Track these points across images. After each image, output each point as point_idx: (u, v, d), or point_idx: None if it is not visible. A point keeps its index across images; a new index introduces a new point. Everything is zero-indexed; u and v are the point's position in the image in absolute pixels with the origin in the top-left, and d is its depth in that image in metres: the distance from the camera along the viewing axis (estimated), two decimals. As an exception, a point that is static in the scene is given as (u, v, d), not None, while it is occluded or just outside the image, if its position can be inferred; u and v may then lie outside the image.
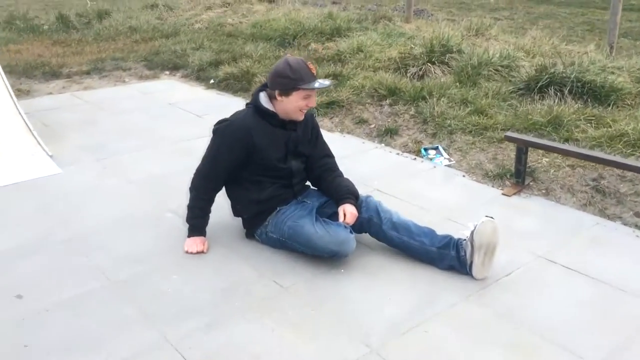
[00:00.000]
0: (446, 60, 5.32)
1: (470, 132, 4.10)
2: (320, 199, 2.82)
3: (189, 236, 2.80)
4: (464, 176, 3.64)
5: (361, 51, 5.95)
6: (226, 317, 2.30)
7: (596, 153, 3.31)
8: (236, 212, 2.86)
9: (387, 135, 4.32)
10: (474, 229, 2.47)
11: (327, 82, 2.63)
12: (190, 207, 2.80)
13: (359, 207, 2.70)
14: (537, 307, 2.35)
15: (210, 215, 2.84)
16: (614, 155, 3.46)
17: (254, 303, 2.39)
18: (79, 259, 2.73)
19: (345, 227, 2.60)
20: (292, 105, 2.61)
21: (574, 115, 3.98)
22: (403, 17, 7.78)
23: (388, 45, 6.09)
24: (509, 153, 3.74)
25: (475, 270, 2.49)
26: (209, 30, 7.96)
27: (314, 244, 2.57)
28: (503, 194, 3.35)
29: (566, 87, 4.35)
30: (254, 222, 2.81)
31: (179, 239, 2.84)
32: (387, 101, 4.73)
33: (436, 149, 4.01)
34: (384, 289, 2.48)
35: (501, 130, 4.02)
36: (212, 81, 5.94)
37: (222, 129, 2.68)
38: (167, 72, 6.47)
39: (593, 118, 3.96)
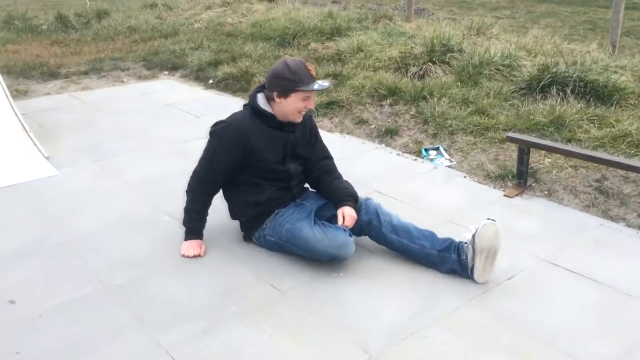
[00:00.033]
0: (447, 60, 5.27)
1: (472, 132, 4.05)
2: (319, 201, 2.77)
3: (185, 239, 2.75)
4: (465, 177, 3.60)
5: (361, 51, 5.90)
6: (222, 322, 2.26)
7: (599, 154, 3.26)
8: (233, 214, 2.81)
9: (387, 135, 4.27)
10: (475, 232, 2.43)
11: (326, 83, 2.58)
12: (187, 210, 2.76)
13: (358, 210, 2.66)
14: (540, 312, 2.30)
15: (208, 217, 2.79)
16: (617, 155, 3.41)
17: (251, 307, 2.34)
18: (73, 263, 2.69)
19: (344, 230, 2.56)
20: (290, 107, 2.57)
21: (577, 115, 3.92)
22: (403, 16, 7.72)
23: (388, 45, 6.04)
24: (511, 154, 3.69)
25: (476, 274, 2.44)
26: (208, 30, 7.91)
27: (313, 248, 2.52)
28: (505, 196, 3.30)
29: (568, 87, 4.29)
30: (252, 225, 2.76)
31: (175, 242, 2.79)
32: (388, 101, 4.68)
33: (437, 149, 3.96)
34: (384, 293, 2.43)
35: (503, 130, 3.97)
36: (211, 81, 5.89)
37: (219, 131, 2.63)
38: (166, 72, 6.42)
39: (596, 118, 3.91)
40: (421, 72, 5.17)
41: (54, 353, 2.11)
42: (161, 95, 5.55)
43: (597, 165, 3.33)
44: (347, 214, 2.60)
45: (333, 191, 2.72)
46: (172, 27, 8.15)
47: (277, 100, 2.56)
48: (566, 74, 4.40)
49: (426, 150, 3.97)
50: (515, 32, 6.84)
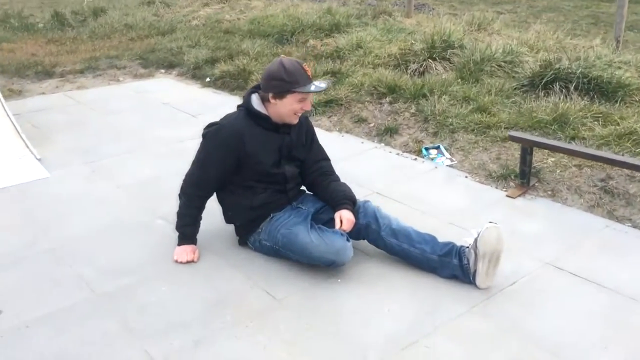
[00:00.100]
0: (447, 56, 5.17)
1: (473, 130, 3.96)
2: (316, 204, 2.68)
3: (178, 244, 2.67)
4: (466, 177, 3.51)
5: (360, 47, 5.80)
6: (215, 333, 2.17)
7: (604, 153, 3.17)
8: (228, 218, 2.73)
9: (386, 134, 4.18)
10: (478, 236, 2.34)
11: (323, 84, 2.49)
12: (180, 215, 2.67)
13: (356, 213, 2.57)
14: (545, 318, 2.22)
15: (202, 221, 2.71)
16: (623, 154, 3.32)
17: (245, 317, 2.26)
18: (63, 270, 2.61)
19: (342, 234, 2.47)
20: (286, 109, 2.48)
21: (580, 113, 3.83)
22: (403, 12, 7.62)
23: (388, 41, 5.94)
24: (513, 152, 3.60)
25: (479, 280, 2.35)
26: (206, 27, 7.82)
27: (309, 253, 2.44)
28: (507, 196, 3.21)
29: (572, 84, 4.20)
30: (247, 229, 2.68)
31: (168, 248, 2.71)
32: (387, 99, 4.59)
33: (437, 148, 3.87)
34: (383, 300, 2.35)
35: (505, 128, 3.87)
36: (208, 79, 5.80)
37: (212, 133, 2.55)
38: (163, 71, 6.33)
39: (600, 115, 3.82)
40: (421, 69, 5.08)
41: (40, 366, 2.03)
42: (157, 94, 5.46)
43: (602, 164, 3.24)
44: (344, 218, 2.51)
45: (330, 194, 2.63)
46: (169, 25, 8.06)
47: (272, 101, 2.48)
48: (569, 70, 4.30)
49: (426, 149, 3.88)
50: (517, 27, 6.74)
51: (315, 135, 2.74)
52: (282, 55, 2.55)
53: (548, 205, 3.11)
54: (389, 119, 4.37)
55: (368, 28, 6.59)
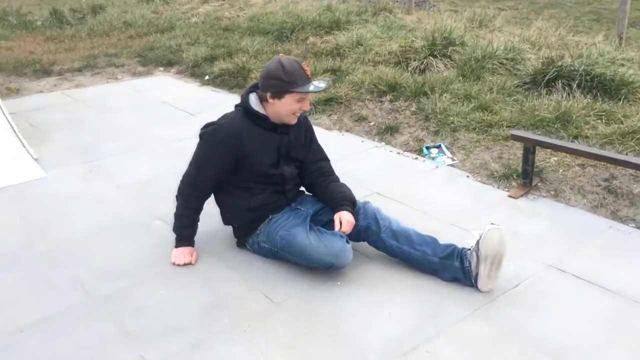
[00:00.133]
0: (449, 54, 5.12)
1: (475, 129, 3.91)
2: (315, 205, 2.64)
3: (176, 246, 2.64)
4: (468, 177, 3.46)
5: (361, 45, 5.75)
6: (212, 337, 2.14)
7: (608, 153, 3.12)
8: (226, 220, 2.69)
9: (387, 133, 4.14)
10: (480, 239, 2.30)
11: (322, 84, 2.44)
12: (177, 216, 2.63)
13: (356, 214, 2.53)
14: (547, 322, 2.18)
15: (200, 222, 2.67)
16: (627, 153, 3.28)
17: (243, 321, 2.22)
18: (58, 272, 2.57)
19: (342, 236, 2.43)
20: (284, 109, 2.43)
21: (583, 111, 3.78)
22: (404, 9, 7.56)
23: (388, 39, 5.89)
24: (515, 152, 3.55)
25: (481, 283, 2.31)
26: (205, 25, 7.76)
27: (308, 256, 2.40)
28: (509, 196, 3.17)
29: (574, 81, 4.14)
30: (245, 231, 2.64)
31: (166, 249, 2.67)
32: (388, 97, 4.54)
33: (439, 147, 3.83)
34: (383, 303, 2.31)
35: (507, 127, 3.83)
36: (207, 77, 5.75)
37: (210, 134, 2.50)
38: (161, 69, 6.29)
39: (603, 113, 3.77)
40: (422, 67, 5.03)
41: (34, 371, 2.00)
42: (156, 92, 5.42)
43: (605, 163, 3.20)
44: (344, 219, 2.47)
45: (330, 195, 2.59)
46: (168, 22, 8.01)
47: (270, 101, 2.43)
48: (572, 68, 4.25)
49: (427, 148, 3.84)
50: (519, 24, 6.69)
51: (314, 135, 2.69)
52: (281, 54, 2.50)
53: (551, 206, 3.07)
54: (389, 117, 4.33)
55: (368, 25, 6.54)
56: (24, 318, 2.27)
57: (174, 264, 2.58)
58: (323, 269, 2.44)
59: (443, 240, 2.48)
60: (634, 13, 8.11)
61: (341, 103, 4.61)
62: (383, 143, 4.05)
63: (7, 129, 4.10)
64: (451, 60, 5.06)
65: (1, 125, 4.13)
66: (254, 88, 2.53)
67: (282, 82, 2.37)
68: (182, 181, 2.61)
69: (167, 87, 5.65)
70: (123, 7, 9.25)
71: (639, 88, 4.10)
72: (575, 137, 3.57)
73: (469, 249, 2.36)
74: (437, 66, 5.00)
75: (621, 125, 3.56)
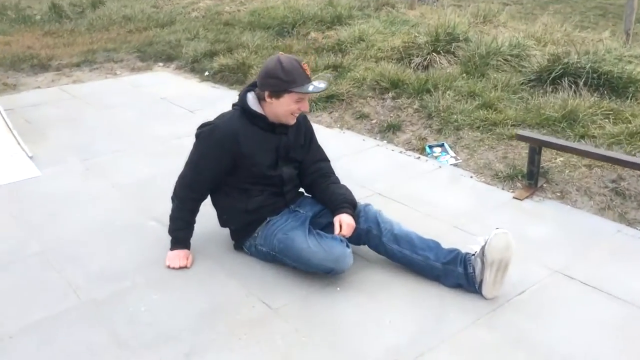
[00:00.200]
0: (452, 50, 5.03)
1: (479, 127, 3.82)
2: (314, 207, 2.56)
3: (171, 249, 2.56)
4: (471, 177, 3.38)
5: (363, 40, 5.66)
6: (207, 345, 2.07)
7: (617, 154, 3.03)
8: (223, 222, 2.62)
9: (389, 131, 4.05)
10: (485, 244, 2.22)
11: (322, 84, 2.35)
12: (173, 218, 2.56)
13: (356, 217, 2.45)
14: (554, 331, 2.10)
15: (196, 224, 2.59)
16: (635, 154, 3.19)
17: (239, 328, 2.15)
18: (51, 275, 2.50)
19: (341, 240, 2.35)
20: (282, 109, 2.35)
21: (590, 110, 3.69)
22: (407, 4, 7.45)
23: (391, 34, 5.80)
24: (520, 151, 3.47)
25: (485, 289, 2.24)
26: (205, 19, 7.67)
27: (307, 260, 2.33)
28: (514, 198, 3.09)
29: (581, 79, 4.06)
30: (243, 233, 2.56)
31: (161, 251, 2.60)
32: (390, 94, 4.45)
33: (442, 146, 3.75)
34: (384, 310, 2.23)
35: (511, 126, 3.75)
36: (206, 73, 5.67)
37: (206, 134, 2.43)
38: (161, 64, 6.20)
39: (611, 112, 3.68)
40: (425, 63, 4.94)
41: (23, 381, 1.93)
42: (155, 88, 5.34)
43: (613, 164, 3.11)
44: (344, 223, 2.40)
45: (329, 197, 2.52)
46: (168, 16, 7.92)
47: (268, 100, 2.35)
48: (578, 65, 4.16)
49: (430, 147, 3.76)
50: (524, 20, 6.59)
51: (314, 135, 2.61)
52: (280, 53, 2.42)
53: (557, 208, 2.99)
54: (391, 115, 4.24)
55: (370, 20, 6.44)
56: (14, 323, 2.21)
57: (168, 267, 2.51)
58: (322, 274, 2.36)
59: (446, 243, 2.41)
60: (641, 8, 7.99)
61: (342, 100, 4.53)
62: (385, 141, 3.97)
63: (2, 126, 4.03)
64: (455, 56, 4.97)
65: (-4, 122, 4.05)
66: (252, 87, 2.45)
67: (280, 82, 2.28)
68: (177, 182, 2.54)
69: (166, 83, 5.57)
70: (123, 1, 9.14)
71: (647, 86, 4.01)
72: (582, 137, 3.48)
73: (473, 254, 2.28)
74: (440, 62, 4.91)
75: (629, 125, 3.48)
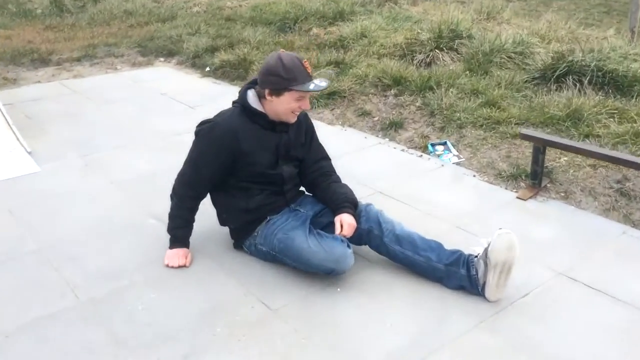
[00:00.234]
0: (455, 47, 4.99)
1: (482, 126, 3.78)
2: (315, 207, 2.53)
3: (170, 247, 2.53)
4: (474, 176, 3.34)
5: (365, 36, 5.61)
6: (205, 346, 2.04)
7: (623, 155, 2.98)
8: (222, 221, 2.59)
9: (391, 128, 4.01)
10: (488, 246, 2.18)
11: (323, 83, 2.31)
12: (172, 216, 2.53)
13: (357, 217, 2.42)
14: (558, 334, 2.07)
15: (196, 222, 2.56)
16: (640, 154, 3.16)
17: (238, 329, 2.12)
18: (48, 274, 2.47)
19: (342, 240, 2.32)
20: (283, 107, 2.32)
21: (595, 109, 3.65)
22: (409, 0, 7.40)
23: (393, 30, 5.75)
24: (524, 150, 3.43)
25: (488, 292, 2.20)
26: (207, 14, 7.62)
27: (307, 261, 2.29)
28: (518, 198, 3.05)
29: (585, 77, 4.01)
30: (242, 232, 2.53)
31: (160, 250, 2.57)
32: (392, 91, 4.41)
33: (444, 144, 3.71)
34: (385, 311, 2.20)
35: (515, 124, 3.71)
36: (207, 69, 5.63)
37: (205, 132, 2.39)
38: (162, 59, 6.16)
39: (616, 111, 3.64)
40: (428, 60, 4.90)
41: (18, 381, 1.91)
42: (155, 83, 5.30)
43: (617, 164, 3.07)
44: (345, 222, 2.36)
45: (330, 196, 2.48)
46: (169, 11, 7.87)
47: (268, 98, 2.31)
48: (583, 63, 4.11)
49: (433, 145, 3.72)
50: (527, 17, 6.54)
51: (315, 133, 2.58)
52: (282, 50, 2.38)
53: (561, 208, 2.95)
54: (393, 112, 4.20)
55: (373, 16, 6.40)
56: (10, 322, 2.18)
57: (167, 266, 2.48)
58: (322, 274, 2.33)
59: (448, 244, 2.38)
60: (646, 6, 7.92)
61: (344, 97, 4.49)
62: (387, 139, 3.93)
63: (2, 121, 4.00)
64: (458, 53, 4.93)
65: (-5, 117, 4.02)
66: (253, 84, 2.41)
67: (281, 79, 2.25)
68: (176, 180, 2.51)
69: (167, 78, 5.53)
70: (124, -5, 9.09)
71: (652, 85, 3.97)
72: (586, 136, 3.44)
73: (476, 256, 2.25)
74: (443, 59, 4.87)
75: (634, 125, 3.43)
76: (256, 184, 2.44)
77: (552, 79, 4.14)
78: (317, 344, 2.04)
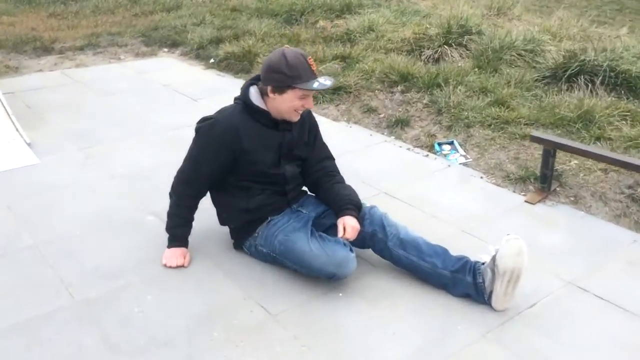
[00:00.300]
0: (464, 43, 4.89)
1: (490, 125, 3.70)
2: (318, 208, 2.46)
3: (168, 247, 2.47)
4: (481, 177, 3.26)
5: (372, 30, 5.52)
6: (201, 352, 1.98)
7: (636, 160, 2.89)
8: (222, 220, 2.52)
9: (397, 126, 3.93)
10: (496, 254, 2.11)
11: (328, 82, 2.23)
12: (170, 215, 2.46)
13: (361, 220, 2.35)
14: (568, 347, 2.00)
15: (195, 221, 2.49)
16: (653, 158, 3.07)
17: (236, 334, 2.06)
18: (43, 271, 2.41)
19: (345, 244, 2.25)
20: (285, 105, 2.24)
21: (607, 111, 3.56)
22: (419, -7, 7.28)
23: (401, 25, 5.65)
24: (533, 152, 3.35)
25: (495, 301, 2.13)
26: (212, 4, 7.51)
27: (308, 264, 2.23)
28: (526, 201, 2.97)
29: (598, 77, 3.92)
30: (242, 233, 2.46)
31: (158, 248, 2.50)
32: (399, 88, 4.33)
33: (451, 144, 3.63)
34: (388, 319, 2.13)
35: (524, 125, 3.62)
36: (212, 60, 5.54)
37: (206, 128, 2.32)
38: (166, 50, 6.07)
39: (628, 114, 3.55)
40: (436, 56, 4.81)
41: (8, 385, 1.85)
42: (158, 74, 5.22)
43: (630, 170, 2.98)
44: (348, 225, 2.29)
45: (333, 197, 2.41)
46: (174, 0, 7.76)
47: (271, 95, 2.24)
48: (595, 63, 4.02)
49: (439, 144, 3.64)
50: (538, 13, 6.42)
51: (319, 132, 2.50)
52: (286, 46, 2.30)
53: (570, 214, 2.87)
54: (400, 109, 4.12)
55: (381, 9, 6.30)
56: (2, 321, 2.12)
57: (165, 265, 2.42)
58: (324, 278, 2.26)
59: (453, 248, 2.30)
60: (659, 4, 7.81)
61: (350, 92, 4.40)
62: (393, 137, 3.85)
63: (1, 110, 3.93)
64: (467, 49, 4.84)
65: (-6, 106, 3.96)
66: (255, 80, 2.33)
67: (284, 77, 2.17)
68: (175, 177, 2.44)
69: (170, 69, 5.44)
70: (130, -17, 8.97)
71: (666, 87, 3.87)
72: (598, 139, 3.36)
73: (483, 263, 2.18)
74: (451, 56, 4.78)
75: (647, 128, 3.35)
76: (257, 184, 2.37)
77: (563, 79, 4.05)
78: (317, 352, 1.98)
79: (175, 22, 6.66)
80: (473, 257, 2.24)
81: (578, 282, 2.33)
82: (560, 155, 3.19)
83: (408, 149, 3.67)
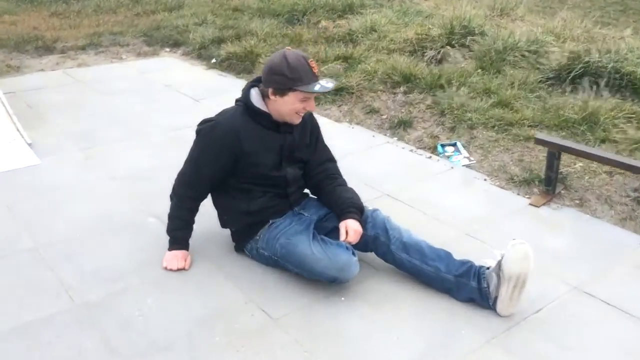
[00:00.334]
0: (467, 43, 4.87)
1: (494, 127, 3.67)
2: (320, 210, 2.43)
3: (169, 249, 2.44)
4: (485, 180, 3.23)
5: (375, 31, 5.49)
6: (201, 356, 1.95)
7: (641, 162, 2.87)
8: (223, 223, 2.49)
9: (400, 127, 3.90)
10: (502, 259, 2.08)
11: (330, 84, 2.21)
12: (171, 217, 2.44)
13: (364, 223, 2.32)
14: (574, 354, 1.97)
15: (196, 223, 2.47)
16: (659, 161, 3.03)
17: (237, 339, 2.03)
18: (43, 274, 2.39)
19: (347, 247, 2.22)
20: (287, 108, 2.21)
21: (612, 113, 3.53)
22: (421, -7, 7.25)
23: (404, 25, 5.63)
24: (537, 154, 3.32)
25: (500, 306, 2.10)
26: (214, 4, 7.50)
27: (310, 268, 2.20)
28: (530, 204, 2.94)
29: (602, 79, 3.88)
30: (244, 235, 2.44)
31: (159, 251, 2.48)
32: (401, 89, 4.30)
33: (454, 145, 3.60)
34: (390, 323, 2.11)
35: (528, 126, 3.59)
36: (213, 60, 5.52)
37: (207, 130, 2.29)
38: (167, 49, 6.06)
39: (633, 116, 3.52)
40: (439, 57, 4.78)
41: (6, 390, 1.83)
42: (160, 74, 5.20)
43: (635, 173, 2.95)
44: (350, 229, 2.26)
45: (335, 200, 2.38)
46: (176, 0, 7.74)
47: (272, 97, 2.21)
48: (599, 64, 3.99)
49: (442, 146, 3.61)
50: (542, 14, 6.38)
51: (320, 134, 2.48)
52: (287, 48, 2.27)
53: (575, 217, 2.84)
54: (402, 110, 4.09)
55: (383, 10, 6.27)
56: (1, 324, 2.10)
57: (165, 268, 2.40)
58: (326, 282, 2.24)
59: (457, 252, 2.28)
60: (663, 5, 7.77)
61: (352, 93, 4.38)
62: (395, 138, 3.82)
63: (2, 111, 3.91)
64: (470, 50, 4.81)
65: (-5, 106, 3.94)
66: (257, 82, 2.31)
67: (285, 79, 2.14)
68: (176, 180, 2.42)
69: (172, 69, 5.43)
70: (131, -18, 8.95)
71: (671, 89, 3.84)
72: (603, 141, 3.33)
73: (487, 268, 2.15)
74: (454, 57, 4.75)
75: (653, 130, 3.32)
76: (258, 186, 2.35)
77: (567, 80, 4.02)
78: (318, 357, 1.96)
79: (177, 21, 6.65)
80: (477, 262, 2.21)
81: (584, 287, 2.30)
82: (565, 157, 3.16)
83: (411, 150, 3.65)
